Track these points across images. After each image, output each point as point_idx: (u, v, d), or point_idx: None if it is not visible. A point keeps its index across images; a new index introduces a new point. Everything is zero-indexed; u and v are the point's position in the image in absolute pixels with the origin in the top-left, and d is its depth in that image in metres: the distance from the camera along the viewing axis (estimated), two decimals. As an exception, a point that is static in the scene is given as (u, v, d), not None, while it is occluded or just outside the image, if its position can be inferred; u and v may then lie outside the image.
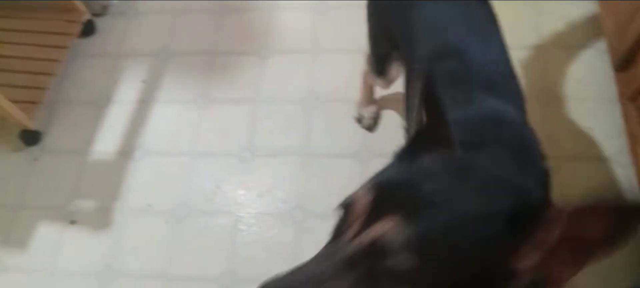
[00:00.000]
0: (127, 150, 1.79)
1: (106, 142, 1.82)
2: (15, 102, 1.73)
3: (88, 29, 2.05)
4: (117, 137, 1.83)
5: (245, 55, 1.93)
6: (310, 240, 1.31)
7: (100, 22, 2.09)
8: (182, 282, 1.54)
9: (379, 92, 1.66)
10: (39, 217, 1.71)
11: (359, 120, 1.70)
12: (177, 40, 2.02)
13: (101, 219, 1.67)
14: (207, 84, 1.89)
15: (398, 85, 1.34)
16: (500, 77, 0.99)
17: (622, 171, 1.52)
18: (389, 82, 1.44)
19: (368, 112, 1.68)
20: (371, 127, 1.70)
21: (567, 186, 1.52)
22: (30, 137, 1.84)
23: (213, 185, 1.68)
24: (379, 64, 1.39)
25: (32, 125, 1.81)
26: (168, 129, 1.82)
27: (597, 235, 0.52)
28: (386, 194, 0.58)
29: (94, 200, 1.72)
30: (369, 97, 1.67)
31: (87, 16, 2.03)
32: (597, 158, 1.57)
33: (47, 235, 1.68)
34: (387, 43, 1.26)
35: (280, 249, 1.54)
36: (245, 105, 1.82)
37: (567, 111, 1.66)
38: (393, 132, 1.65)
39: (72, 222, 1.68)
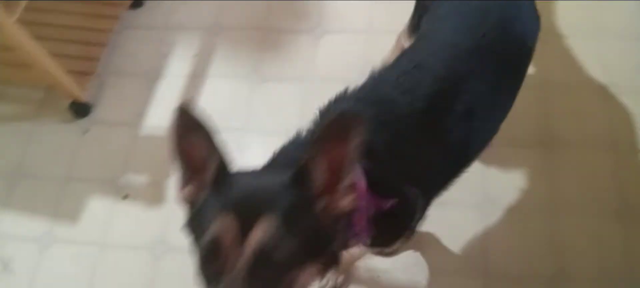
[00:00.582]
0: (178, 125, 1.76)
1: (158, 115, 1.80)
2: (67, 72, 1.71)
3: (136, 2, 2.02)
4: (169, 111, 1.77)
5: (298, 34, 1.89)
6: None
7: (148, -6, 2.06)
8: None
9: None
10: (89, 189, 1.69)
11: None
12: (228, 15, 1.98)
13: (154, 194, 1.65)
14: (259, 61, 1.85)
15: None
16: None
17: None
18: None
19: None
20: None
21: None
22: (80, 109, 1.82)
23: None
24: (415, 18, 1.36)
25: (83, 97, 1.79)
26: (220, 104, 1.78)
27: (340, 152, 0.70)
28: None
29: (147, 174, 1.69)
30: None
31: (136, -13, 2.00)
32: None
33: (98, 208, 1.66)
34: None
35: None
36: (298, 84, 1.78)
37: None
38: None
39: (125, 196, 1.66)
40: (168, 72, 1.88)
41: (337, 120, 0.70)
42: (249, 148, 1.69)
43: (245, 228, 0.67)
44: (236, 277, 0.66)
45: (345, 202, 0.74)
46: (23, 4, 1.49)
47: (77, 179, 1.72)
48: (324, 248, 0.75)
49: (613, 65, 1.69)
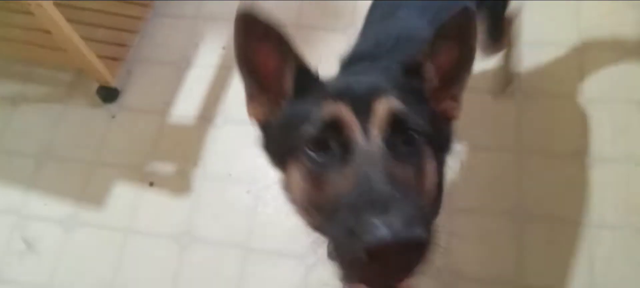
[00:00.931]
0: (207, 116, 1.76)
1: (186, 104, 1.79)
2: (99, 57, 1.71)
3: (168, -10, 2.01)
4: (198, 101, 1.80)
5: (330, 32, 1.88)
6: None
7: (179, -16, 2.05)
8: (262, 254, 1.52)
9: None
10: (116, 175, 1.69)
11: None
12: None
13: (180, 183, 1.65)
14: (290, 56, 1.84)
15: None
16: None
17: None
18: None
19: None
20: None
21: None
22: (108, 94, 1.82)
23: (296, 160, 1.64)
24: None
25: (112, 82, 1.79)
26: (250, 98, 1.78)
27: (452, 56, 0.67)
28: None
29: (173, 163, 1.69)
30: None
31: (168, -25, 1.99)
32: None
33: (125, 194, 1.66)
34: None
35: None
36: (329, 81, 1.77)
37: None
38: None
39: (151, 184, 1.66)
40: (197, 62, 1.88)
41: (456, 18, 0.65)
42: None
43: (361, 106, 0.62)
44: (373, 145, 0.60)
45: (455, 108, 0.71)
46: (60, -14, 1.50)
47: (104, 164, 1.72)
48: (441, 146, 0.71)
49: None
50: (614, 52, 1.70)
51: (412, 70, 0.69)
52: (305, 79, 0.69)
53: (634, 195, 1.48)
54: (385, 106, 0.62)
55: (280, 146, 0.70)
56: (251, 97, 0.73)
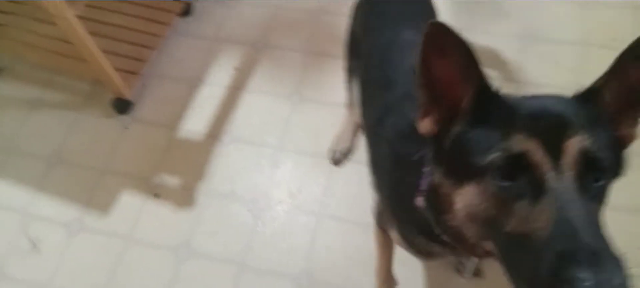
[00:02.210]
0: (215, 133, 1.81)
1: (195, 121, 1.85)
2: (116, 69, 1.78)
3: (186, 9, 2.10)
4: (206, 118, 1.85)
5: (338, 59, 1.93)
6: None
7: (198, 5, 2.14)
8: (257, 273, 1.54)
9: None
10: (123, 184, 1.74)
11: (332, 151, 1.71)
12: (274, 34, 2.04)
13: (184, 197, 1.69)
14: (300, 82, 1.90)
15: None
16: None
17: None
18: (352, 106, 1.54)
19: (341, 146, 1.71)
20: (338, 162, 1.71)
21: None
22: (122, 106, 1.88)
23: (298, 182, 1.68)
24: (347, 76, 1.52)
25: (128, 95, 1.86)
26: (258, 119, 1.83)
27: (637, 76, 0.64)
28: None
29: (179, 176, 1.74)
30: (347, 133, 1.72)
31: (188, -4, 2.08)
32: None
33: (129, 203, 1.70)
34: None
35: (360, 258, 1.52)
36: (337, 109, 1.81)
37: None
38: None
39: (156, 195, 1.70)
40: (209, 80, 1.95)
41: None
42: (283, 165, 1.72)
43: (552, 143, 0.60)
44: (567, 186, 0.58)
45: (633, 135, 0.67)
46: (85, 1, 1.57)
47: (112, 172, 1.77)
48: (617, 171, 0.67)
49: None
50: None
51: (590, 96, 0.66)
52: (487, 99, 0.67)
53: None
54: (579, 145, 0.60)
55: (456, 161, 0.69)
56: (426, 111, 0.71)
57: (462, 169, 0.67)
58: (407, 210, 0.88)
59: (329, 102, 1.83)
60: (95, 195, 1.73)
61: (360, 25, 1.30)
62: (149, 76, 1.97)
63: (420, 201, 0.82)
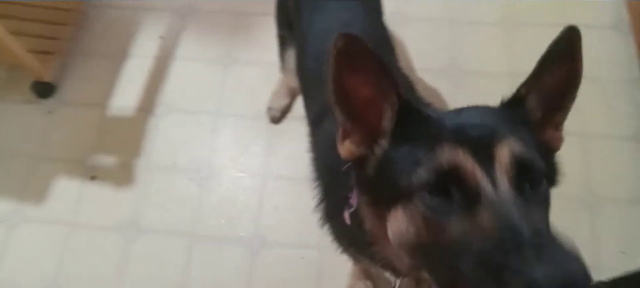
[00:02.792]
0: (147, 107, 1.76)
1: (125, 96, 1.78)
2: (30, 51, 1.67)
3: (102, -20, 1.97)
4: (137, 92, 1.79)
5: (269, 17, 1.88)
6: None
7: (114, -26, 2.02)
8: (208, 241, 1.54)
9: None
10: (57, 169, 1.67)
11: (269, 109, 1.70)
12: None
13: (123, 175, 1.65)
14: (231, 44, 1.86)
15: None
16: None
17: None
18: (289, 72, 1.45)
19: (278, 104, 1.70)
20: (277, 120, 1.70)
21: (590, 161, 1.58)
22: (43, 89, 1.78)
23: (239, 146, 1.67)
24: (280, 47, 1.46)
25: (47, 77, 1.75)
26: (191, 87, 1.78)
27: (557, 79, 0.64)
28: None
29: (115, 155, 1.68)
30: (282, 90, 1.70)
31: (102, -34, 1.95)
32: (618, 136, 1.62)
33: (67, 188, 1.64)
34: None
35: (309, 214, 1.54)
36: (271, 68, 1.79)
37: (588, 90, 1.70)
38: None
39: (93, 177, 1.65)
40: (135, 52, 1.87)
41: (564, 38, 0.61)
42: (223, 130, 1.70)
43: (481, 152, 0.57)
44: (503, 193, 0.55)
45: (558, 139, 0.67)
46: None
47: (45, 159, 1.69)
48: (552, 179, 0.65)
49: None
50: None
51: (515, 103, 0.64)
52: (410, 116, 0.62)
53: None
54: (508, 150, 0.58)
55: (381, 186, 0.64)
56: (344, 132, 0.66)
57: (388, 194, 0.62)
58: (337, 220, 0.84)
59: (262, 61, 1.80)
60: (30, 185, 1.66)
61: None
62: (70, 54, 1.86)
63: (347, 218, 0.78)
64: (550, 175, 0.64)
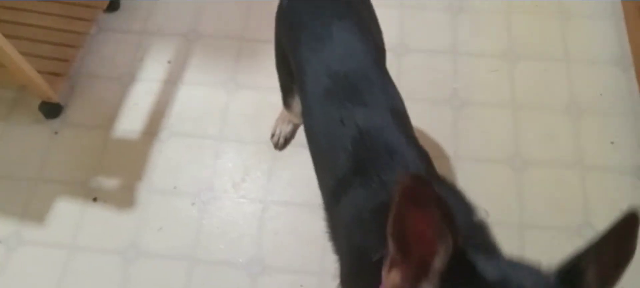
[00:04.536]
0: (152, 130, 1.77)
1: (130, 120, 1.80)
2: (39, 72, 1.70)
3: (112, 4, 2.01)
4: (142, 115, 1.80)
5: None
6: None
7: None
8: (208, 265, 1.54)
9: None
10: (59, 191, 1.68)
11: (273, 136, 1.70)
12: (205, 23, 2.00)
13: (125, 197, 1.65)
14: (235, 69, 1.88)
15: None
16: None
17: (643, 185, 1.58)
18: (295, 116, 1.42)
19: (282, 131, 1.69)
20: (280, 146, 1.70)
21: (592, 197, 1.57)
22: (51, 110, 1.80)
23: (241, 171, 1.68)
24: (284, 94, 1.41)
25: (55, 98, 1.78)
26: (195, 111, 1.80)
27: (610, 257, 0.60)
28: None
29: (118, 178, 1.69)
30: (286, 117, 1.67)
31: (113, -10, 2.00)
32: (619, 170, 1.62)
33: (68, 211, 1.64)
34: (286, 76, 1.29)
35: (310, 239, 1.55)
36: (275, 94, 1.81)
37: (590, 124, 1.71)
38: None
39: (95, 199, 1.65)
40: (142, 76, 1.89)
41: (626, 220, 0.59)
42: (225, 154, 1.72)
43: None
44: None
45: None
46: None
47: (47, 180, 1.70)
48: None
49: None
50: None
51: (571, 279, 0.61)
52: (460, 265, 0.60)
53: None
54: None
55: None
56: (393, 263, 0.65)
57: None
58: None
59: (267, 87, 1.82)
60: (30, 206, 1.66)
61: (288, 43, 1.17)
62: (78, 76, 1.89)
63: None
64: None
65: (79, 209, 1.65)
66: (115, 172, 1.71)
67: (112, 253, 1.57)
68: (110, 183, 1.69)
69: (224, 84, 1.85)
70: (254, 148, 1.72)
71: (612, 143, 1.67)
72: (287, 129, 1.70)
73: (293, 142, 1.72)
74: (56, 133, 1.79)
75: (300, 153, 1.69)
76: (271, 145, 1.71)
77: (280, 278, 1.50)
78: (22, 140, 1.78)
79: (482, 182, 1.64)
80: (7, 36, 1.54)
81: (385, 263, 0.65)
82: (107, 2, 1.96)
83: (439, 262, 0.59)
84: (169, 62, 1.91)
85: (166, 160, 1.71)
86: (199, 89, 1.85)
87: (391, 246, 0.62)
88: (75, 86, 1.87)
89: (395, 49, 1.87)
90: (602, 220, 1.52)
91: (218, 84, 1.85)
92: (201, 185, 1.66)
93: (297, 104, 1.31)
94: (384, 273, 0.65)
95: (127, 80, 1.88)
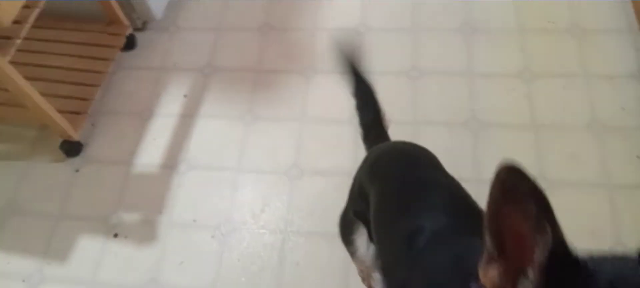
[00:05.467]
0: (171, 164, 1.78)
1: (149, 154, 1.82)
2: (60, 112, 1.73)
3: (129, 43, 2.06)
4: (161, 150, 1.82)
5: (290, 74, 1.94)
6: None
7: (140, 37, 2.10)
8: (228, 299, 1.52)
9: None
10: (80, 228, 1.69)
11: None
12: (220, 56, 2.03)
13: (145, 232, 1.65)
14: (252, 101, 1.90)
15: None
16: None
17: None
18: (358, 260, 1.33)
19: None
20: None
21: (622, 216, 1.52)
22: (72, 148, 1.83)
23: (260, 202, 1.67)
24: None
25: (75, 136, 1.81)
26: (213, 144, 1.81)
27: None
28: None
29: (138, 212, 1.70)
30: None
31: (130, 30, 2.04)
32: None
33: (89, 247, 1.65)
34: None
35: (330, 270, 1.53)
36: (292, 124, 1.82)
37: (614, 139, 1.67)
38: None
39: (115, 235, 1.66)
40: (160, 111, 1.92)
41: None
42: (244, 186, 1.71)
43: None
44: None
45: None
46: (16, 45, 1.52)
47: (69, 217, 1.72)
48: None
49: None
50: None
51: None
52: (561, 259, 0.58)
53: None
54: None
55: None
56: (489, 260, 0.62)
57: None
58: None
59: (283, 118, 1.83)
60: (52, 244, 1.67)
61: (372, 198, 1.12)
62: (98, 114, 1.93)
63: None
64: None
65: (100, 246, 1.65)
66: (136, 207, 1.72)
67: (132, 289, 1.56)
68: (130, 218, 1.70)
69: (241, 116, 1.86)
70: (272, 179, 1.71)
71: (638, 157, 1.62)
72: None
73: (313, 171, 1.71)
74: (77, 171, 1.81)
75: (318, 182, 1.69)
76: (289, 176, 1.70)
77: (302, 310, 1.47)
78: (44, 178, 1.81)
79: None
80: (28, 78, 1.58)
81: (480, 260, 0.62)
82: (124, 41, 2.00)
83: (539, 256, 0.57)
84: (185, 96, 1.94)
85: (185, 194, 1.72)
86: (216, 122, 1.87)
87: (488, 242, 0.60)
88: (96, 124, 1.91)
89: (409, 72, 1.87)
90: (634, 238, 1.47)
91: (235, 115, 1.86)
92: (220, 217, 1.66)
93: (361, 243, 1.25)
94: (480, 271, 0.62)
95: (145, 115, 1.91)
